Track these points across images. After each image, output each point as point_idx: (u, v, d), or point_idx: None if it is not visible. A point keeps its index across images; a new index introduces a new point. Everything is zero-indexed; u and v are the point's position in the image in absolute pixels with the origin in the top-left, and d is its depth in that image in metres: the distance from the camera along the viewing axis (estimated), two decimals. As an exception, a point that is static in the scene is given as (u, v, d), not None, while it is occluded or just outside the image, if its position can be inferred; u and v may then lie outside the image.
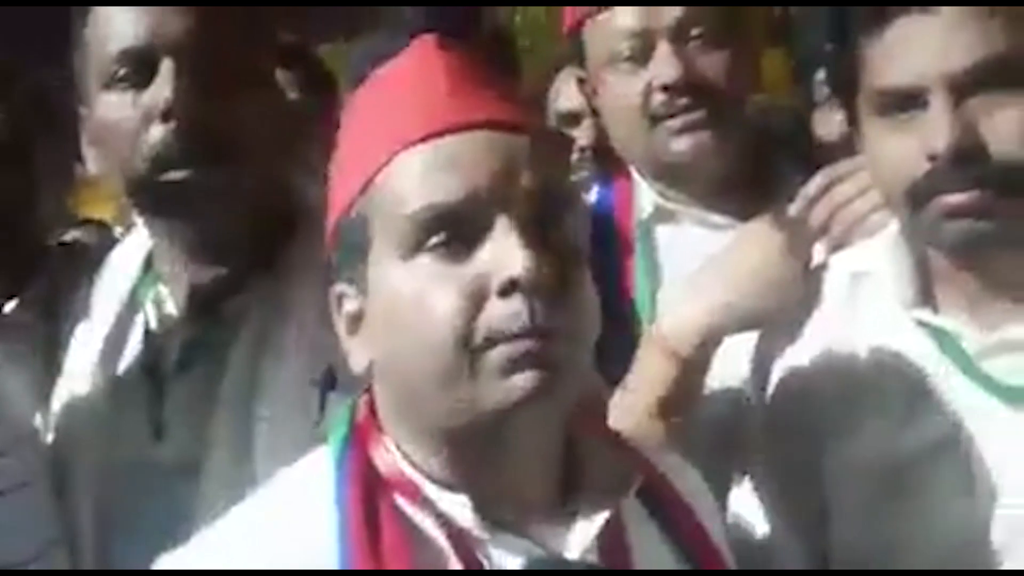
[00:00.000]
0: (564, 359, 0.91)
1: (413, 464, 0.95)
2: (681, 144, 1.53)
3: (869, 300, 1.28)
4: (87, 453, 1.35)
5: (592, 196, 1.71)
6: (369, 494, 0.94)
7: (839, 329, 1.29)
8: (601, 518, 0.95)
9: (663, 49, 1.51)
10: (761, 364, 1.35)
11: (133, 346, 1.38)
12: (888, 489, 1.22)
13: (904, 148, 1.16)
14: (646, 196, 1.63)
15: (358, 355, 0.98)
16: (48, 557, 1.30)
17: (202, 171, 1.25)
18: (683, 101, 1.51)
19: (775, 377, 1.33)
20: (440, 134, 0.94)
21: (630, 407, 1.33)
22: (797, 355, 1.31)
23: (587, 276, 0.96)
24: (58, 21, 1.35)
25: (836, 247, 1.36)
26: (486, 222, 0.91)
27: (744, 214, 1.43)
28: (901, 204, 1.18)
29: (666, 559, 1.02)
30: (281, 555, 0.92)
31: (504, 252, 0.89)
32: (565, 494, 0.98)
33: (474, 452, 0.93)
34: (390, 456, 0.96)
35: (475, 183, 0.91)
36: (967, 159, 1.12)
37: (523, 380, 0.89)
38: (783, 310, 1.30)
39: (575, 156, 2.39)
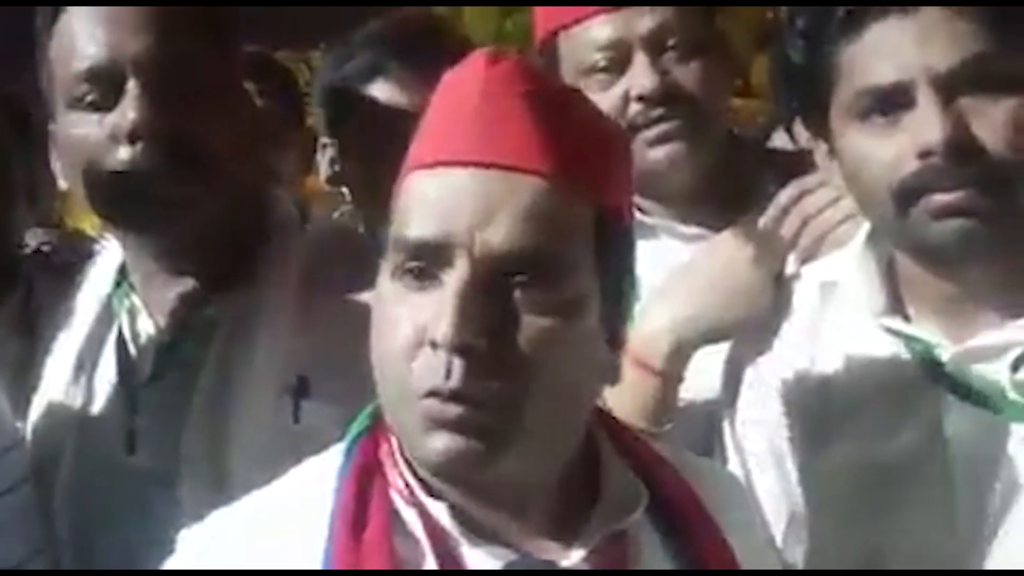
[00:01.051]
0: (502, 428, 0.88)
1: (409, 465, 0.96)
2: (657, 154, 1.53)
3: (839, 310, 1.28)
4: (63, 463, 1.36)
5: None
6: (366, 484, 0.95)
7: (809, 340, 1.30)
8: (599, 535, 0.95)
9: (639, 59, 1.51)
10: (732, 376, 1.36)
11: (108, 356, 1.39)
12: (863, 500, 1.22)
13: (891, 149, 1.15)
14: None
15: None
16: (32, 564, 1.31)
17: (171, 188, 1.26)
18: (658, 111, 1.51)
19: (746, 389, 1.34)
20: (447, 164, 0.92)
21: None
22: (768, 367, 1.32)
23: (568, 339, 0.91)
24: (30, 30, 1.35)
25: (807, 258, 1.36)
26: (450, 264, 0.90)
27: (721, 226, 1.43)
28: (886, 208, 1.17)
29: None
30: (283, 539, 0.95)
31: (440, 307, 0.88)
32: (583, 506, 0.97)
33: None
34: (393, 456, 0.97)
35: (452, 223, 0.90)
36: (962, 154, 1.11)
37: (441, 441, 0.88)
38: (749, 321, 1.31)
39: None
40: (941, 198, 1.12)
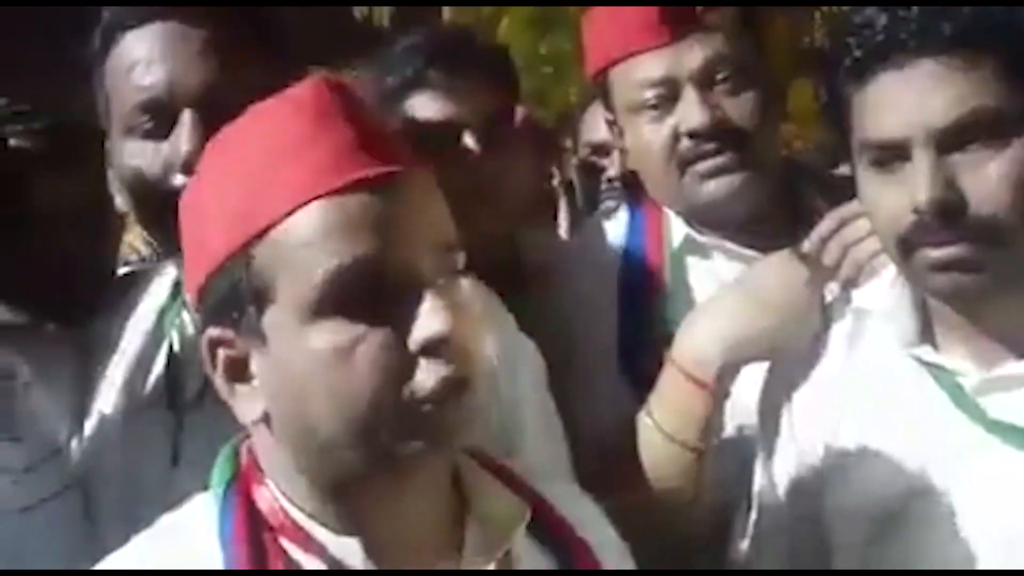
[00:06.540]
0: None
1: (302, 510, 0.99)
2: (711, 188, 1.58)
3: (871, 337, 1.35)
4: (111, 478, 1.39)
5: (622, 225, 1.75)
6: (255, 535, 0.98)
7: (841, 366, 1.35)
8: (492, 556, 1.00)
9: (689, 96, 1.56)
10: (768, 397, 1.41)
11: (157, 373, 1.43)
12: (887, 527, 1.27)
13: (892, 200, 1.22)
14: (676, 227, 1.67)
15: (249, 404, 0.99)
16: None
17: None
18: (711, 146, 1.56)
19: (781, 411, 1.39)
20: (346, 190, 0.93)
21: (650, 429, 1.35)
22: (802, 391, 1.37)
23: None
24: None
25: (846, 285, 1.41)
26: (405, 281, 0.93)
27: (773, 248, 1.47)
28: (894, 252, 1.25)
29: None
30: None
31: (428, 312, 0.93)
32: (456, 529, 1.02)
33: (372, 499, 0.99)
34: (275, 502, 1.00)
35: (389, 238, 0.93)
36: (948, 213, 1.18)
37: (438, 429, 0.94)
38: (800, 341, 1.33)
39: (603, 185, 2.42)
40: (933, 253, 1.20)
